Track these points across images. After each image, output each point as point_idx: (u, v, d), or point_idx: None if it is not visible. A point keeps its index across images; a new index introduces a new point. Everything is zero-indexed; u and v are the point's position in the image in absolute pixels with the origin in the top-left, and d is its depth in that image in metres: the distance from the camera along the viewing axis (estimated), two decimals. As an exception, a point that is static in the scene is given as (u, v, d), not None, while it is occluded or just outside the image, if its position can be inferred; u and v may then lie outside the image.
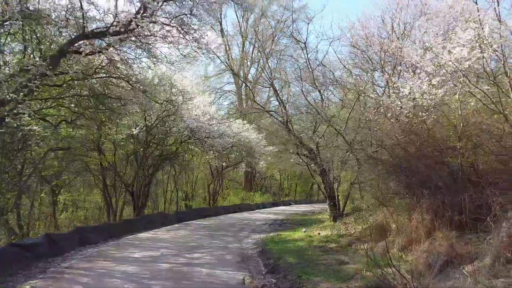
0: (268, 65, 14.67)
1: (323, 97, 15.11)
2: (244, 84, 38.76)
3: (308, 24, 15.03)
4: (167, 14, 9.91)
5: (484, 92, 6.66)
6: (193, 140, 21.08)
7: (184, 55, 11.83)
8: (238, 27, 38.23)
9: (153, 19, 9.58)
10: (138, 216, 18.79)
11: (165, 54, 12.28)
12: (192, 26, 9.86)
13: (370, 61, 13.55)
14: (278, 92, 15.43)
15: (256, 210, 31.00)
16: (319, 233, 13.30)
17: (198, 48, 10.52)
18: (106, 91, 11.55)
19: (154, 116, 17.93)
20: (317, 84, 15.07)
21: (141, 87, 11.09)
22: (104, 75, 11.41)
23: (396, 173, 8.99)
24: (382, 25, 13.83)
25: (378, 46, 12.63)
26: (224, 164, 25.85)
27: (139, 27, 9.87)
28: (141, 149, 18.16)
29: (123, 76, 11.07)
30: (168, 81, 12.53)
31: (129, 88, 11.34)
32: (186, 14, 9.60)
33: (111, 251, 10.97)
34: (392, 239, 8.85)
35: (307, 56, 14.77)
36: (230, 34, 40.14)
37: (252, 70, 41.09)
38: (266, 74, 15.41)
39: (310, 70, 14.90)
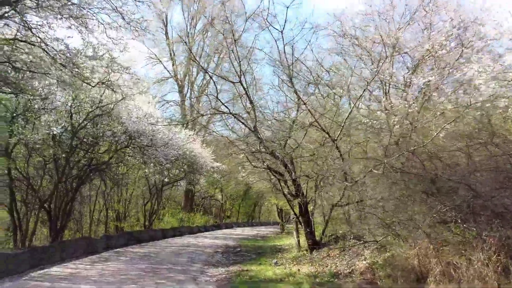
0: (237, 53, 11.64)
1: (300, 98, 12.44)
2: (190, 91, 35.43)
3: (287, 8, 11.85)
4: None
5: None
6: (132, 148, 17.31)
7: (129, 22, 8.53)
8: (185, 31, 35.04)
9: None
10: (54, 242, 14.55)
11: (103, 22, 8.89)
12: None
13: (368, 54, 11.20)
14: (247, 90, 12.47)
15: (199, 234, 27.39)
16: (299, 269, 10.34)
17: None
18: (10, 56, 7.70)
19: (83, 114, 14.11)
20: (294, 83, 12.41)
21: (64, 55, 7.56)
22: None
23: (435, 193, 6.44)
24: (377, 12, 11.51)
25: (378, 36, 10.25)
26: (166, 179, 22.10)
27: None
28: (63, 155, 14.13)
29: (36, 41, 7.47)
30: (107, 54, 9.05)
31: (47, 59, 7.75)
32: None
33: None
34: (436, 288, 6.11)
35: (284, 49, 12.09)
36: (175, 41, 36.77)
37: (199, 79, 37.87)
38: (233, 66, 12.36)
39: (287, 65, 12.23)
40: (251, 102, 12.56)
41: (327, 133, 9.60)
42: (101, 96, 13.90)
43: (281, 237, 24.47)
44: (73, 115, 14.14)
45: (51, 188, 15.65)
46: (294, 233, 14.62)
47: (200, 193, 40.06)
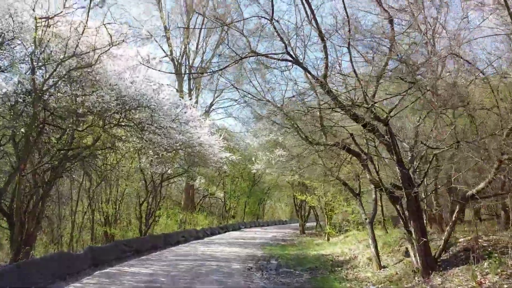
0: None
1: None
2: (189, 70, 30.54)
3: None
4: None
5: None
6: (126, 126, 12.42)
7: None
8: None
9: None
10: (13, 263, 9.67)
11: None
12: None
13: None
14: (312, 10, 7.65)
15: (207, 239, 22.48)
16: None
17: None
18: None
19: (52, 65, 9.19)
20: None
21: None
22: None
23: None
24: None
25: None
26: (170, 171, 17.14)
27: None
28: (22, 131, 9.21)
29: None
30: None
31: None
32: None
33: None
34: None
35: None
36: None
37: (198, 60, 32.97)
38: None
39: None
40: (320, 33, 7.79)
41: None
42: (79, 38, 9.01)
43: (312, 241, 19.76)
44: (36, 69, 9.18)
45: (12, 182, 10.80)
46: (370, 241, 9.97)
47: (199, 191, 35.16)
